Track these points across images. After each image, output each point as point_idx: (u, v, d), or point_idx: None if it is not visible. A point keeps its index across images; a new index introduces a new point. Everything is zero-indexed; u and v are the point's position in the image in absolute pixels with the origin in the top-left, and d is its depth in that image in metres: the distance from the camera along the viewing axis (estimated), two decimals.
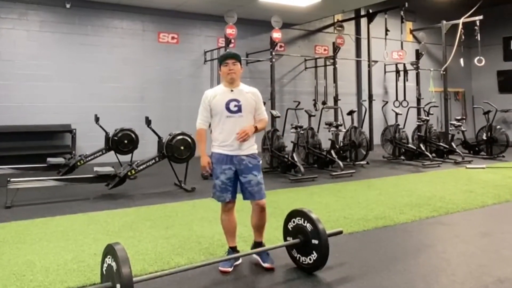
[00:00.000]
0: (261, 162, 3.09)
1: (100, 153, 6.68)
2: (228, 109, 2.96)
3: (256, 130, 3.01)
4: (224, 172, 2.96)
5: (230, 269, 2.94)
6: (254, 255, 3.08)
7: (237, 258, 3.04)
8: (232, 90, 3.01)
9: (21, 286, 2.73)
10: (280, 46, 10.12)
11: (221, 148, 2.99)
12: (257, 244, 3.10)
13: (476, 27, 9.86)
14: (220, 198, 3.00)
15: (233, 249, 3.08)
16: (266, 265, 3.00)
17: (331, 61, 9.60)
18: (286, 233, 3.11)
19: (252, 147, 3.04)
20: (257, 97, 3.08)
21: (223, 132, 2.98)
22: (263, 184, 3.03)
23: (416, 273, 2.94)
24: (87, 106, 8.18)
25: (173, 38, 9.25)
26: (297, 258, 2.98)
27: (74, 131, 7.88)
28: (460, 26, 10.28)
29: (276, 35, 7.94)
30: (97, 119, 6.98)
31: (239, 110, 2.97)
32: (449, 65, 10.52)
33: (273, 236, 3.64)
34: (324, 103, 9.85)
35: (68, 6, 8.09)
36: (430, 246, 3.51)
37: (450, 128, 9.32)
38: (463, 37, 10.24)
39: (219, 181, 2.97)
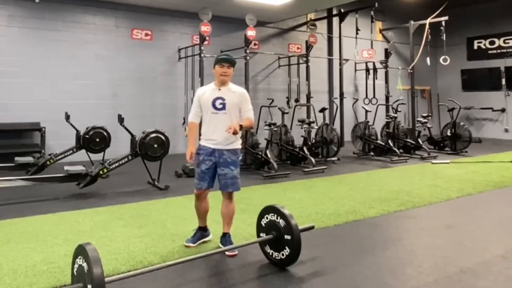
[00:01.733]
0: (240, 158, 3.31)
1: (71, 151, 6.54)
2: (214, 106, 3.23)
3: (241, 128, 3.20)
4: (205, 162, 3.25)
5: (191, 245, 3.35)
6: (220, 244, 3.34)
7: (205, 235, 3.45)
8: (219, 89, 3.28)
9: None
10: (254, 44, 10.15)
11: (206, 141, 3.28)
12: (224, 234, 3.37)
13: (441, 27, 10.22)
14: (197, 186, 3.29)
15: (201, 229, 3.45)
16: (228, 253, 3.18)
17: (304, 59, 9.72)
18: (260, 229, 3.16)
19: (235, 142, 3.28)
20: (242, 96, 3.31)
21: (209, 127, 3.26)
22: (239, 179, 3.29)
23: (384, 265, 3.06)
24: (58, 103, 7.94)
25: (146, 34, 9.11)
26: (270, 253, 3.04)
27: (43, 129, 7.65)
28: (427, 26, 10.62)
29: (251, 33, 7.97)
30: (67, 117, 6.81)
31: (224, 107, 3.22)
32: (416, 63, 10.86)
33: (247, 233, 3.69)
34: (297, 100, 9.98)
35: (37, 0, 7.80)
36: (398, 239, 3.65)
37: (417, 125, 9.64)
38: (429, 37, 10.58)
39: (199, 169, 3.27)
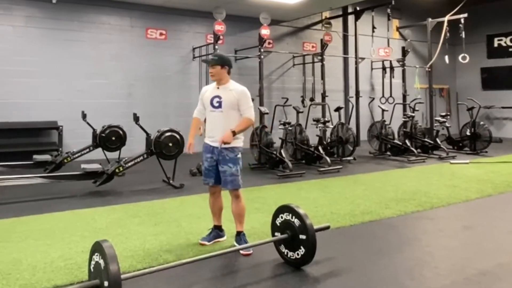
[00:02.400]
0: (239, 155, 3.31)
1: (87, 150, 6.64)
2: (212, 104, 3.31)
3: (234, 133, 3.20)
4: (207, 160, 3.35)
5: (206, 243, 3.38)
6: (234, 242, 3.34)
7: (220, 235, 3.47)
8: (218, 88, 3.32)
9: (8, 285, 2.71)
10: (269, 43, 10.13)
11: (207, 138, 3.36)
12: (238, 233, 3.37)
13: (460, 25, 10.02)
14: (204, 182, 3.42)
15: (216, 228, 3.47)
16: (242, 252, 3.17)
17: (319, 58, 9.66)
18: (274, 228, 3.15)
19: (234, 140, 3.26)
20: (240, 94, 3.28)
21: (208, 125, 3.36)
22: (238, 176, 3.30)
23: (401, 266, 3.00)
24: (74, 102, 8.08)
25: (161, 34, 9.19)
26: (285, 253, 3.02)
27: (60, 128, 7.79)
28: (445, 24, 10.43)
29: (265, 31, 7.95)
30: (84, 116, 6.91)
31: (220, 106, 3.27)
32: (434, 62, 10.68)
33: (261, 232, 3.68)
34: (312, 99, 9.91)
35: (54, 1, 7.95)
36: (415, 240, 3.59)
37: (435, 124, 9.46)
38: (448, 34, 10.40)
39: (203, 167, 3.40)
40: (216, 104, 3.27)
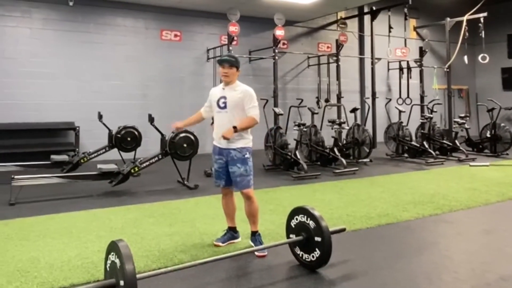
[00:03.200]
0: (247, 155, 3.28)
1: (104, 150, 6.71)
2: (218, 105, 3.33)
3: (236, 130, 3.17)
4: (217, 161, 3.36)
5: (220, 244, 3.37)
6: (250, 242, 3.36)
7: (235, 237, 3.46)
8: (223, 88, 3.35)
9: (26, 283, 2.74)
10: (283, 44, 10.11)
11: (215, 140, 3.37)
12: (253, 233, 3.37)
13: (480, 24, 9.81)
14: (215, 183, 3.42)
15: (230, 229, 3.46)
16: (257, 253, 3.16)
17: (334, 58, 9.58)
18: (289, 230, 3.12)
19: (241, 141, 3.26)
20: (245, 94, 3.27)
21: (215, 126, 3.37)
22: (248, 176, 3.27)
23: (419, 270, 2.94)
24: (90, 103, 8.20)
25: (175, 35, 9.26)
26: (300, 255, 2.99)
27: (77, 128, 7.91)
28: (464, 23, 10.23)
29: (279, 32, 7.92)
30: (100, 117, 7.00)
31: (225, 106, 3.29)
32: (453, 62, 10.48)
33: (276, 233, 3.65)
34: (327, 100, 9.83)
35: (71, 3, 8.09)
36: (433, 243, 3.50)
37: (454, 126, 9.28)
38: (467, 34, 10.20)
39: (213, 169, 3.43)
40: (222, 105, 3.29)
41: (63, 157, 6.45)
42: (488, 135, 8.95)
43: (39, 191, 5.31)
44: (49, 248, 3.37)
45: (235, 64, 3.30)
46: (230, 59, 3.31)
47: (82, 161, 6.38)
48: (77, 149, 7.69)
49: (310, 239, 2.89)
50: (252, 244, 3.29)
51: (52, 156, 6.38)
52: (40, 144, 7.77)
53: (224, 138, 3.14)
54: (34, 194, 5.20)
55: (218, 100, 3.32)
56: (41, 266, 2.99)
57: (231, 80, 3.31)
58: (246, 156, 3.28)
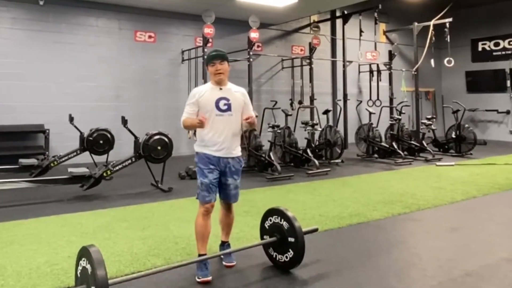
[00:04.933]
0: (243, 165, 3.11)
1: (75, 153, 6.55)
2: (218, 107, 2.91)
3: (254, 123, 2.97)
4: (211, 172, 2.90)
5: (210, 278, 2.81)
6: (219, 251, 3.13)
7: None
8: (221, 89, 2.97)
9: None
10: (258, 46, 10.17)
11: (208, 148, 2.92)
12: (223, 243, 3.19)
13: (446, 29, 10.19)
14: (205, 199, 2.88)
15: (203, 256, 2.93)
16: (226, 263, 3.07)
17: (308, 61, 9.72)
18: (263, 231, 3.15)
19: (238, 148, 3.03)
20: (245, 97, 3.08)
21: (211, 132, 2.90)
22: (239, 187, 3.07)
23: (389, 268, 3.04)
24: (61, 105, 7.97)
25: (150, 37, 9.14)
26: (274, 256, 3.03)
27: (47, 131, 7.68)
28: (431, 28, 10.61)
29: (254, 35, 7.97)
30: (71, 119, 6.83)
31: (229, 108, 2.93)
32: (420, 65, 10.84)
33: (250, 235, 3.68)
34: (300, 102, 9.96)
35: (41, 3, 7.84)
36: (402, 241, 3.63)
37: (421, 127, 9.59)
38: (433, 38, 10.57)
39: (207, 180, 2.88)
40: (224, 107, 2.91)
41: (32, 161, 6.26)
42: (453, 136, 9.28)
43: (7, 196, 5.14)
44: (17, 255, 3.27)
45: (227, 58, 3.00)
46: (223, 54, 2.97)
47: (52, 164, 6.21)
48: (47, 153, 7.47)
49: (284, 240, 2.93)
50: (222, 256, 3.12)
51: (21, 160, 6.18)
52: (8, 148, 7.49)
53: (251, 122, 2.89)
54: (2, 199, 5.03)
55: (218, 102, 2.91)
56: (8, 274, 2.91)
57: (226, 77, 2.98)
58: (242, 166, 3.07)
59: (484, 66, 13.03)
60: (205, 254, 2.91)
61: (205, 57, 3.15)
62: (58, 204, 4.96)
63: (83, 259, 2.33)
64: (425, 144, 8.94)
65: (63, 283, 2.76)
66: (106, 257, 2.45)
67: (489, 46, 13.02)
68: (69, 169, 5.40)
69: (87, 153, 6.63)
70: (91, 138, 6.52)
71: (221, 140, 2.90)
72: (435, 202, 4.94)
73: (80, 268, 2.37)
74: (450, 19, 10.29)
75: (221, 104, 2.92)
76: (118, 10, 8.72)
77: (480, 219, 4.34)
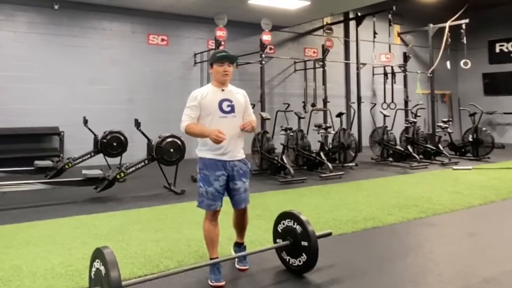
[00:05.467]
0: (249, 167, 3.05)
1: (89, 155, 6.63)
2: (221, 109, 2.83)
3: (252, 128, 2.92)
4: (218, 179, 2.81)
5: (223, 283, 2.76)
6: (233, 253, 3.11)
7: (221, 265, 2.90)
8: (223, 90, 2.90)
9: None
10: (270, 49, 10.16)
11: (213, 153, 2.84)
12: (239, 244, 3.13)
13: (462, 30, 10.03)
14: (211, 207, 2.82)
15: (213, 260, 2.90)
16: (239, 266, 3.04)
17: (320, 63, 9.66)
18: (276, 235, 3.12)
19: (241, 150, 2.96)
20: (246, 98, 3.02)
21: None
22: (249, 190, 2.98)
23: (404, 273, 2.97)
24: (76, 108, 8.09)
25: (162, 40, 9.22)
26: (287, 260, 3.00)
27: (62, 133, 7.80)
28: (447, 30, 10.44)
29: (266, 37, 7.96)
30: (85, 122, 6.92)
31: (232, 110, 2.86)
32: (436, 67, 10.67)
33: (263, 238, 3.65)
34: (313, 105, 9.89)
35: (56, 7, 8.00)
36: (418, 246, 3.56)
37: (437, 130, 9.45)
38: (449, 40, 10.41)
39: (212, 188, 2.80)
40: (228, 109, 2.84)
41: (47, 163, 6.35)
42: (470, 139, 9.12)
43: (22, 198, 5.22)
44: (32, 255, 3.30)
45: (235, 60, 2.94)
46: (232, 56, 2.90)
47: (66, 166, 6.29)
48: (61, 155, 7.58)
49: (297, 244, 2.90)
50: (233, 253, 3.13)
51: (36, 162, 6.27)
52: (24, 150, 7.63)
53: (246, 129, 2.83)
54: (17, 201, 5.10)
55: (221, 103, 2.83)
56: (23, 275, 2.94)
57: (229, 79, 2.94)
58: (249, 167, 2.99)
59: (501, 68, 12.78)
60: (216, 258, 2.88)
61: (213, 53, 2.99)
62: (73, 205, 5.01)
63: (97, 260, 2.34)
64: (441, 148, 8.80)
65: (77, 284, 2.78)
66: (119, 259, 2.46)
67: (506, 48, 12.77)
68: (83, 171, 5.46)
69: (101, 155, 6.70)
70: (104, 141, 6.59)
71: (226, 143, 2.78)
72: (451, 207, 4.84)
73: (94, 269, 2.38)
74: (467, 20, 10.12)
75: (224, 105, 2.85)
76: (131, 14, 8.83)
77: (498, 224, 4.24)
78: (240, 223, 3.06)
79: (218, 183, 2.82)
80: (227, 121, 2.83)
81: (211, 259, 2.87)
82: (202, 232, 2.93)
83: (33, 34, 7.95)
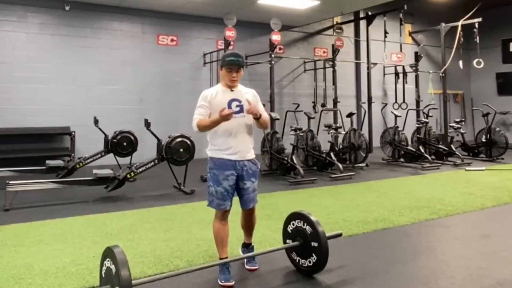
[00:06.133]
0: (259, 167, 3.04)
1: (99, 155, 6.68)
2: (230, 109, 2.84)
3: (260, 118, 2.87)
4: (228, 178, 2.82)
5: (233, 283, 2.77)
6: (242, 254, 3.11)
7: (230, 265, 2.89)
8: (232, 90, 2.93)
9: None
10: (280, 49, 10.14)
11: (223, 152, 2.85)
12: (247, 245, 3.13)
13: (475, 29, 9.89)
14: (220, 207, 2.83)
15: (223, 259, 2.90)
16: (249, 266, 3.03)
17: (330, 63, 9.62)
18: (286, 235, 3.11)
19: (252, 150, 2.97)
20: (256, 97, 3.02)
21: (225, 134, 2.85)
22: (257, 190, 2.98)
23: (415, 275, 2.93)
24: (86, 108, 8.17)
25: (172, 40, 9.27)
26: (297, 260, 2.98)
27: (73, 133, 7.88)
28: (459, 28, 10.31)
29: (275, 37, 7.95)
30: (96, 122, 6.98)
31: (241, 110, 2.87)
32: (448, 67, 10.54)
33: (273, 239, 3.64)
34: (323, 105, 9.86)
35: (67, 8, 8.09)
36: (430, 248, 3.51)
37: (450, 130, 9.33)
38: (462, 39, 10.27)
39: (221, 188, 2.81)
40: (237, 109, 2.85)
41: (59, 162, 6.42)
42: (484, 140, 9.00)
43: (34, 197, 5.28)
44: (44, 254, 3.34)
45: (243, 65, 2.96)
46: (240, 61, 2.90)
47: (77, 166, 6.34)
48: (72, 154, 7.66)
49: (307, 244, 2.88)
50: (241, 254, 3.12)
51: (48, 161, 6.34)
52: (36, 149, 7.73)
53: (252, 112, 2.80)
54: (29, 200, 5.17)
55: (230, 103, 2.86)
56: (35, 273, 2.97)
57: (238, 82, 2.97)
58: (258, 167, 2.99)
59: None
60: (226, 258, 2.88)
61: (223, 56, 2.99)
62: (83, 205, 5.06)
63: (107, 259, 2.35)
64: (453, 148, 8.69)
65: (88, 283, 2.80)
66: (129, 258, 2.46)
67: None
68: (94, 171, 5.51)
69: (111, 155, 6.75)
70: (115, 140, 6.64)
71: (235, 142, 2.83)
72: (464, 208, 4.77)
73: (104, 268, 2.39)
74: (480, 19, 9.98)
75: (234, 105, 2.87)
76: (141, 15, 8.89)
77: None
78: (248, 223, 3.06)
79: (228, 182, 2.82)
80: (236, 121, 2.83)
81: (220, 259, 2.88)
82: (212, 232, 2.93)
83: (44, 35, 8.05)
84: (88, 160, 6.51)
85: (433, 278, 2.88)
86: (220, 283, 2.78)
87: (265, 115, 2.98)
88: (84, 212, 4.63)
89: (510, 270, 2.99)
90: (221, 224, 2.88)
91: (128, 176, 5.46)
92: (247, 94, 2.97)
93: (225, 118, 2.71)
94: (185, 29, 9.40)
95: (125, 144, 6.70)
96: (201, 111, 2.90)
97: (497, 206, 4.91)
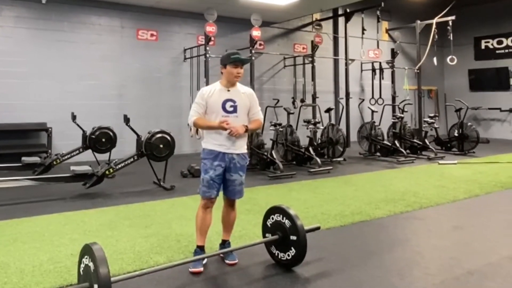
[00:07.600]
0: (248, 162, 3.16)
1: (77, 152, 6.57)
2: (224, 109, 2.98)
3: (247, 130, 3.02)
4: (215, 168, 2.97)
5: (201, 269, 2.93)
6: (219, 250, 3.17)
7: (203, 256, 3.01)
8: (228, 90, 3.03)
9: None
10: (260, 44, 10.15)
11: (214, 144, 3.00)
12: (224, 241, 3.21)
13: (448, 27, 10.14)
14: (205, 194, 2.99)
15: (200, 248, 3.06)
16: (228, 261, 3.07)
17: (310, 59, 9.70)
18: (265, 229, 3.16)
19: (244, 146, 3.09)
20: (252, 98, 3.12)
21: (218, 132, 2.98)
22: (244, 183, 3.11)
23: (391, 266, 3.03)
24: (64, 104, 7.99)
25: (152, 35, 9.14)
26: (276, 254, 3.03)
27: (50, 129, 7.70)
28: (434, 26, 10.55)
29: (256, 33, 7.96)
30: (74, 117, 6.85)
31: (235, 110, 3.00)
32: (423, 63, 10.79)
33: (252, 233, 3.69)
34: (302, 100, 9.95)
35: (44, 1, 7.84)
36: (405, 240, 3.62)
37: (424, 125, 9.57)
38: (436, 36, 10.51)
39: (208, 176, 2.97)
40: (230, 109, 2.98)
41: (35, 159, 6.28)
42: (456, 134, 9.27)
43: (10, 194, 5.15)
44: (20, 252, 3.28)
45: (246, 63, 3.07)
46: (245, 59, 3.02)
47: (54, 163, 6.22)
48: (49, 151, 7.49)
49: (286, 238, 2.93)
50: (221, 255, 3.14)
51: (23, 158, 6.20)
52: (11, 146, 7.52)
53: (234, 134, 2.90)
54: (5, 197, 5.04)
55: (224, 103, 2.97)
56: (11, 271, 2.92)
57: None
58: (247, 162, 3.13)
59: (487, 64, 12.96)
60: (203, 246, 3.05)
61: (227, 54, 3.02)
62: (61, 202, 4.97)
63: (85, 257, 2.34)
64: (427, 143, 8.93)
65: (66, 281, 2.77)
66: (108, 255, 2.46)
67: (492, 44, 12.96)
68: (72, 167, 5.41)
69: (89, 151, 6.64)
70: (93, 136, 6.54)
71: (225, 139, 2.97)
72: (437, 201, 4.93)
73: (82, 265, 2.37)
74: (453, 17, 10.24)
75: (228, 105, 2.99)
76: (120, 9, 8.72)
77: (483, 217, 4.33)
78: (227, 217, 3.16)
79: (214, 172, 2.97)
80: (229, 120, 2.95)
81: (197, 245, 3.05)
82: (195, 220, 3.07)
83: (20, 28, 7.81)
84: (66, 157, 6.40)
85: (408, 268, 2.99)
86: (189, 269, 2.90)
87: (258, 117, 3.13)
88: (61, 210, 4.55)
89: (481, 260, 3.12)
90: (204, 213, 3.03)
91: (107, 172, 5.39)
92: (243, 94, 3.07)
93: (222, 128, 2.92)
94: (165, 24, 9.28)
95: (103, 140, 6.60)
96: (197, 109, 3.03)
97: (468, 199, 5.10)
